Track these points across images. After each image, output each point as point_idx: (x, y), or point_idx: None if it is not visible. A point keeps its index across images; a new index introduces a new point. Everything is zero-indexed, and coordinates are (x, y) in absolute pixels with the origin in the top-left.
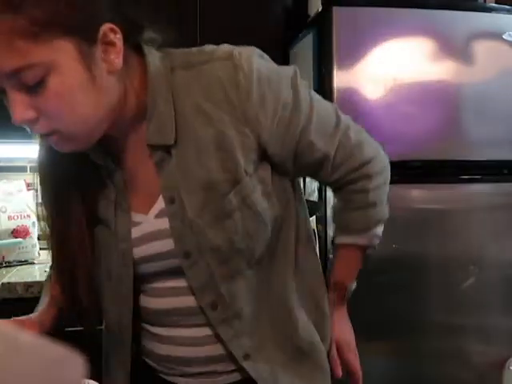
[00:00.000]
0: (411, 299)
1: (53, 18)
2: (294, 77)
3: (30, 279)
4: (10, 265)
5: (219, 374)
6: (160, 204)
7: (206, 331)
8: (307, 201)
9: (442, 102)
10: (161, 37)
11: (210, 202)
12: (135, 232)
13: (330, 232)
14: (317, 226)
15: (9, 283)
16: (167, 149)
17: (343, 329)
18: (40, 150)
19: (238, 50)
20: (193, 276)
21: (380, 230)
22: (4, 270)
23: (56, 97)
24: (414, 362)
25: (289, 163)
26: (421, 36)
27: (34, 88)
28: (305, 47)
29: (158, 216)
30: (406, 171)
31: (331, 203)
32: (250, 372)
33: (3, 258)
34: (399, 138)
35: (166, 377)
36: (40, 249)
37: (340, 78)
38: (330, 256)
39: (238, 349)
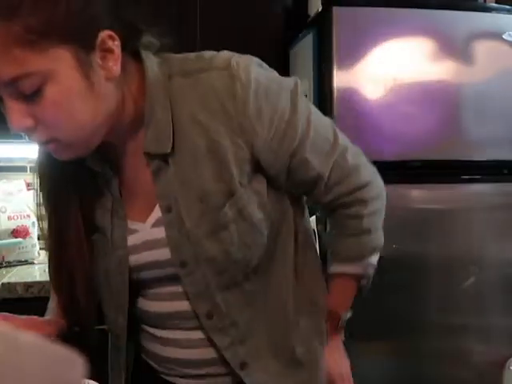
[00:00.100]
0: (411, 299)
1: (49, 26)
2: (293, 90)
3: (29, 279)
4: (10, 265)
5: (214, 377)
6: (157, 213)
7: (199, 334)
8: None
9: (441, 101)
10: (160, 40)
11: (207, 212)
12: (132, 240)
13: None
14: (317, 226)
15: (9, 283)
16: (164, 157)
17: (337, 361)
18: (39, 152)
19: (236, 59)
20: (189, 284)
21: (375, 258)
22: (4, 270)
23: (53, 105)
24: (413, 362)
25: (282, 178)
26: (420, 36)
27: (32, 97)
28: (305, 47)
29: (155, 225)
30: (405, 171)
31: None
32: (245, 380)
33: (3, 258)
34: (399, 138)
35: (167, 378)
36: (40, 249)
37: (340, 78)
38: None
39: (234, 357)
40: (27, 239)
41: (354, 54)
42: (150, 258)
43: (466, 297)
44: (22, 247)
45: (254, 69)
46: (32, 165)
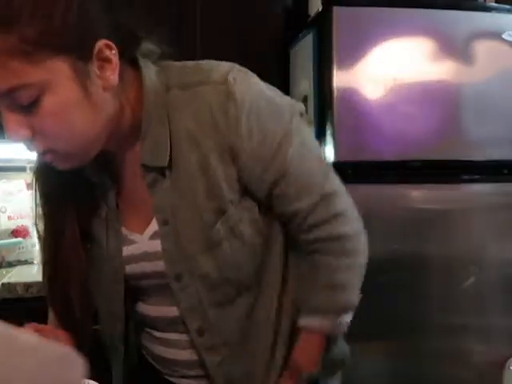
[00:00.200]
0: (411, 299)
1: (46, 37)
2: (290, 117)
3: (29, 279)
4: (10, 265)
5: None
6: (154, 225)
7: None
8: None
9: (442, 101)
10: (160, 47)
11: (201, 228)
12: (130, 250)
13: None
14: None
15: (9, 283)
16: (161, 170)
17: None
18: (38, 157)
19: (233, 74)
20: (183, 299)
21: (347, 318)
22: (4, 270)
23: (51, 116)
24: (413, 362)
25: (266, 203)
26: (420, 36)
27: (29, 108)
28: (305, 47)
29: (153, 237)
30: (405, 171)
31: None
32: None
33: (3, 258)
34: (399, 137)
35: (170, 378)
36: None
37: (340, 78)
38: None
39: (219, 376)
40: (27, 239)
41: (354, 54)
42: (149, 268)
43: (466, 297)
44: (22, 247)
45: (251, 87)
46: (32, 165)
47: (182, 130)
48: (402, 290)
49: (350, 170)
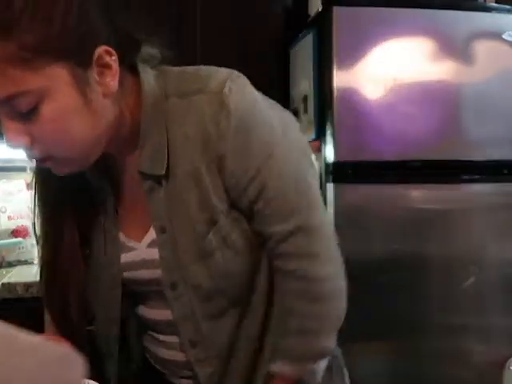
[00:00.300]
0: (411, 299)
1: (45, 44)
2: (281, 132)
3: (29, 279)
4: (10, 265)
5: None
6: (152, 234)
7: None
8: None
9: (441, 101)
10: (160, 51)
11: (194, 238)
12: (129, 256)
13: None
14: None
15: (9, 283)
16: (158, 178)
17: None
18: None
19: (230, 83)
20: (176, 308)
21: (321, 365)
22: (4, 270)
23: (50, 124)
24: (413, 362)
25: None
26: (420, 36)
27: (28, 115)
28: (305, 47)
29: (151, 245)
30: (405, 171)
31: (331, 201)
32: None
33: (3, 258)
34: (399, 137)
35: (171, 379)
36: None
37: (340, 78)
38: None
39: None
40: (27, 239)
41: (354, 54)
42: (147, 276)
43: (466, 297)
44: (22, 247)
45: (245, 97)
46: (32, 165)
47: (179, 139)
48: (401, 290)
49: (349, 170)
